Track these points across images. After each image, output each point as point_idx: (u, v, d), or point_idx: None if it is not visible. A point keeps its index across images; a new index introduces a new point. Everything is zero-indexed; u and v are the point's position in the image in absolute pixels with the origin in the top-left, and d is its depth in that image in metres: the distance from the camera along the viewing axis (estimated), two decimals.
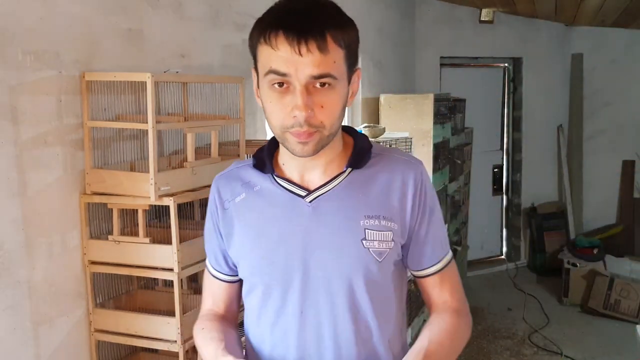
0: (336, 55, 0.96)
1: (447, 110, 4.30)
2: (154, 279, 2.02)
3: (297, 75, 0.95)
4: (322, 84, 0.96)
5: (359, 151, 1.09)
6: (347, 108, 1.06)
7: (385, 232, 1.05)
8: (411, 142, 3.48)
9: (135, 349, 2.01)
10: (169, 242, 1.79)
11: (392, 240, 1.06)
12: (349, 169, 1.08)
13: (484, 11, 5.32)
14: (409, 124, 3.92)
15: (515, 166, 5.87)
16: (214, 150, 2.02)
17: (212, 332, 1.12)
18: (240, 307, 1.24)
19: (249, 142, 2.44)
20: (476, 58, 5.68)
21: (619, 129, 5.66)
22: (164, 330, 1.81)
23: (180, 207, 1.85)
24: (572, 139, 5.79)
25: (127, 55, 2.01)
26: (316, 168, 1.08)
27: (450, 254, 1.15)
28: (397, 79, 4.98)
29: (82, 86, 1.81)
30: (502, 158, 5.94)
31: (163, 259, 1.80)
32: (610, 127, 5.68)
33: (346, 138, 1.12)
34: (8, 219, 1.62)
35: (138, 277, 2.04)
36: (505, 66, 5.83)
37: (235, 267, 1.16)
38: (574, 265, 4.79)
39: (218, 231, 1.16)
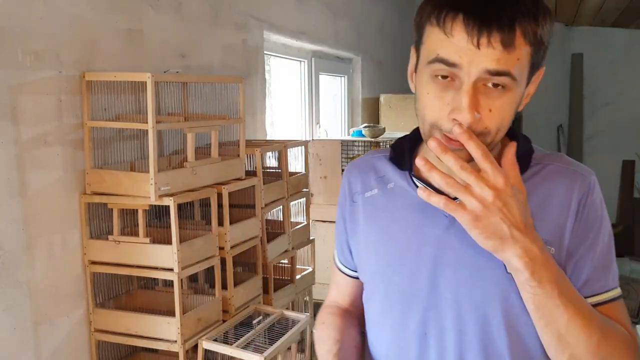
0: (522, 52, 0.78)
1: None
2: (154, 279, 2.02)
3: (469, 68, 0.77)
4: (495, 85, 0.78)
5: (518, 158, 0.85)
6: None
7: None
8: None
9: (135, 349, 2.01)
10: (169, 242, 1.79)
11: None
12: None
13: None
14: (409, 124, 3.92)
15: None
16: (214, 150, 2.02)
17: (330, 330, 1.02)
18: None
19: (249, 142, 2.44)
20: None
21: (619, 129, 5.66)
22: (164, 330, 1.81)
23: (180, 207, 1.85)
24: (572, 139, 5.79)
25: (127, 55, 2.01)
26: None
27: (618, 290, 0.91)
28: (397, 79, 4.97)
29: (82, 86, 1.81)
30: None
31: (163, 259, 1.80)
32: (610, 127, 5.68)
33: (504, 140, 0.90)
34: (8, 219, 1.62)
35: (138, 277, 2.04)
36: None
37: None
38: None
39: (345, 224, 1.04)
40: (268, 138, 3.04)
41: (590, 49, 5.68)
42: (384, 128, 3.50)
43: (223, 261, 2.02)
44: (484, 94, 0.79)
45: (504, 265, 0.81)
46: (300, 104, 3.72)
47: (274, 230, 2.50)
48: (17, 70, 1.62)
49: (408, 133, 1.01)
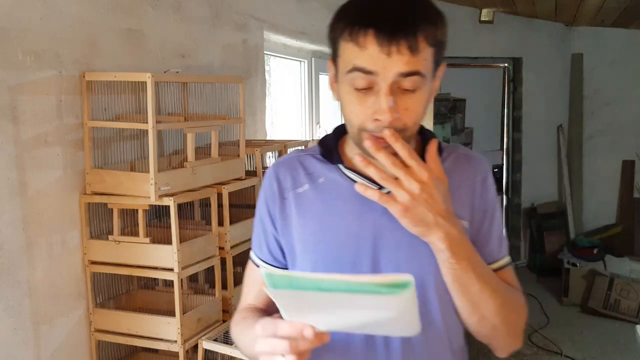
0: (427, 53, 0.89)
1: (447, 110, 4.31)
2: (154, 279, 2.02)
3: (384, 74, 0.87)
4: (408, 88, 0.89)
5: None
6: None
7: None
8: None
9: (135, 349, 2.01)
10: (169, 242, 1.79)
11: None
12: None
13: (484, 11, 5.32)
14: None
15: (515, 166, 5.86)
16: (214, 150, 2.02)
17: (249, 321, 1.04)
18: None
19: (249, 142, 2.44)
20: (476, 58, 5.68)
21: (619, 129, 5.65)
22: (164, 330, 1.81)
23: (180, 207, 1.85)
24: (572, 139, 5.79)
25: (127, 55, 2.01)
26: None
27: (508, 258, 1.07)
28: None
29: (82, 86, 1.81)
30: (502, 158, 5.94)
31: (163, 259, 1.80)
32: (610, 127, 5.68)
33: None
34: (8, 219, 1.62)
35: (138, 277, 2.04)
36: (505, 66, 5.83)
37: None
38: (574, 265, 4.79)
39: (273, 220, 1.07)
40: (268, 138, 3.04)
41: (590, 49, 5.68)
42: None
43: (223, 261, 2.02)
44: (399, 95, 0.90)
45: None
46: (300, 104, 3.71)
47: None
48: (17, 70, 1.62)
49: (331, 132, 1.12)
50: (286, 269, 1.09)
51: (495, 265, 1.04)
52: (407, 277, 0.74)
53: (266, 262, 1.10)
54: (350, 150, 1.04)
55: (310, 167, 1.07)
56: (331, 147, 1.06)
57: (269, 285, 0.77)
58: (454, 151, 1.07)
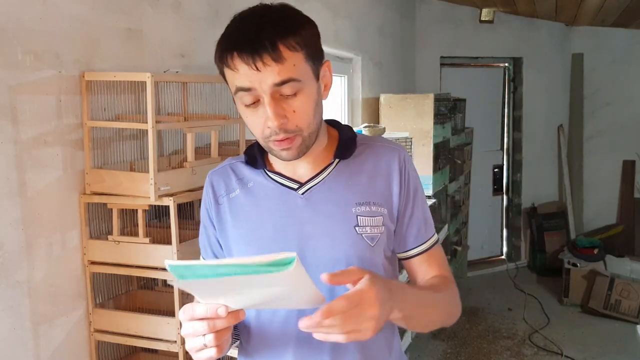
0: (294, 59, 0.98)
1: (447, 110, 4.30)
2: (154, 279, 2.02)
3: (262, 87, 0.97)
4: (288, 96, 0.99)
5: (345, 142, 1.14)
6: (323, 102, 1.09)
7: (376, 218, 1.09)
8: (411, 142, 3.48)
9: (135, 349, 2.01)
10: (169, 242, 1.79)
11: (383, 224, 1.10)
12: (337, 160, 1.13)
13: (484, 11, 5.32)
14: (409, 124, 3.92)
15: (516, 166, 5.87)
16: (214, 150, 2.02)
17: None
18: None
19: (249, 142, 2.44)
20: (476, 58, 5.68)
21: (619, 129, 5.66)
22: (164, 330, 1.81)
23: (180, 207, 1.85)
24: (572, 139, 5.79)
25: (127, 55, 2.01)
26: (305, 162, 1.12)
27: (436, 236, 1.18)
28: (397, 79, 4.98)
29: (82, 86, 1.81)
30: (502, 158, 5.94)
31: (163, 259, 1.80)
32: (610, 127, 5.68)
33: (331, 130, 1.17)
34: (8, 219, 1.62)
35: (138, 277, 2.04)
36: (505, 66, 5.83)
37: None
38: (574, 265, 4.79)
39: (213, 225, 1.18)
40: None
41: (590, 49, 5.68)
42: (384, 128, 3.50)
43: None
44: (283, 101, 0.99)
45: (355, 228, 1.07)
46: None
47: None
48: (17, 70, 1.62)
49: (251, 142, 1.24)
50: None
51: (423, 247, 1.16)
52: (290, 254, 0.78)
53: None
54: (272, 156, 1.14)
55: (240, 173, 1.17)
56: (255, 154, 1.16)
57: (176, 276, 0.81)
58: (373, 143, 1.16)
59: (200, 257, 1.23)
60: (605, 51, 5.64)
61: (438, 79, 5.53)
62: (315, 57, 1.03)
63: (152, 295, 2.04)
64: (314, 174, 1.11)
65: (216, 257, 1.20)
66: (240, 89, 0.99)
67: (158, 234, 1.89)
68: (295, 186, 1.11)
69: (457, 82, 5.52)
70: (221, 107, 2.33)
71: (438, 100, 4.00)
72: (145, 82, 1.71)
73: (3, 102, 1.59)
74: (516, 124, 5.77)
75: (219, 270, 0.80)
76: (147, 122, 1.73)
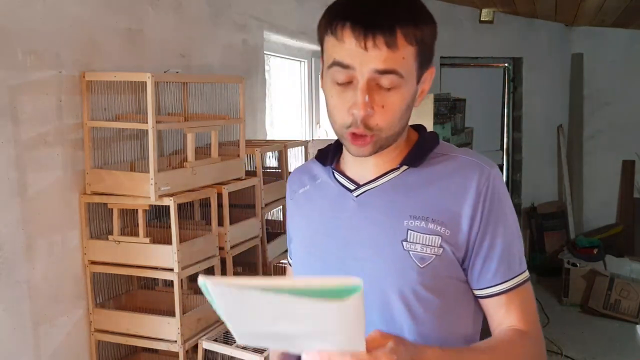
0: (406, 52, 0.89)
1: (447, 110, 4.30)
2: (154, 279, 2.02)
3: (361, 68, 0.88)
4: (383, 88, 0.89)
5: (418, 149, 1.01)
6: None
7: (432, 236, 0.93)
8: None
9: (135, 349, 2.01)
10: (169, 242, 1.79)
11: (441, 246, 0.93)
12: (404, 167, 1.00)
13: (484, 11, 5.32)
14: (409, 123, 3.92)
15: (515, 166, 5.86)
16: (214, 150, 2.02)
17: None
18: None
19: (249, 142, 2.44)
20: (476, 58, 5.68)
21: (619, 129, 5.65)
22: (164, 330, 1.81)
23: (180, 207, 1.85)
24: (572, 139, 5.79)
25: (127, 55, 2.01)
26: (371, 163, 1.01)
27: (525, 274, 0.99)
28: None
29: (82, 86, 1.81)
30: (502, 158, 5.94)
31: (163, 259, 1.80)
32: (610, 127, 5.68)
33: (412, 135, 1.04)
34: (8, 219, 1.62)
35: (138, 277, 2.04)
36: (505, 66, 5.83)
37: None
38: (574, 265, 4.79)
39: (291, 220, 1.15)
40: (268, 138, 3.04)
41: (590, 49, 5.68)
42: None
43: (223, 261, 2.02)
44: (377, 92, 0.89)
45: (402, 242, 0.94)
46: (300, 104, 3.71)
47: (274, 230, 2.50)
48: (17, 70, 1.62)
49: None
50: None
51: (503, 286, 0.96)
52: (356, 281, 0.65)
53: (292, 259, 1.18)
54: (344, 154, 1.07)
55: (314, 170, 1.11)
56: (328, 151, 1.09)
57: (208, 291, 0.66)
58: (457, 155, 1.02)
59: (287, 255, 1.21)
60: (605, 51, 5.63)
61: (438, 79, 5.53)
62: (425, 58, 0.94)
63: (152, 295, 2.04)
64: (375, 176, 1.01)
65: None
66: (337, 64, 0.90)
67: (158, 234, 1.89)
68: (352, 187, 1.02)
69: (456, 82, 5.51)
70: (221, 107, 2.33)
71: (438, 100, 4.00)
72: (146, 82, 1.71)
73: (3, 102, 1.59)
74: (516, 124, 5.77)
75: (265, 284, 0.66)
76: (147, 122, 1.73)
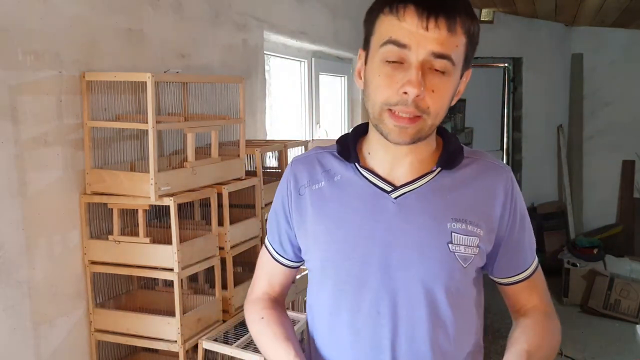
0: (460, 40, 0.91)
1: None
2: (154, 279, 2.02)
3: (417, 49, 0.88)
4: (436, 71, 0.91)
5: (452, 152, 1.04)
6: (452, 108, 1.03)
7: (471, 238, 0.99)
8: None
9: (135, 349, 2.01)
10: (169, 242, 1.79)
11: (478, 246, 1.00)
12: (439, 169, 1.02)
13: (484, 11, 5.32)
14: None
15: (515, 166, 5.87)
16: (214, 150, 2.02)
17: (273, 327, 1.10)
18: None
19: (249, 142, 2.44)
20: (476, 58, 5.66)
21: (619, 129, 5.65)
22: (164, 330, 1.81)
23: (180, 207, 1.85)
24: (572, 139, 5.79)
25: (127, 55, 2.01)
26: (405, 163, 1.02)
27: (537, 259, 1.11)
28: None
29: (82, 86, 1.81)
30: (502, 158, 5.94)
31: (163, 259, 1.80)
32: (610, 127, 5.68)
33: (438, 139, 1.07)
34: (8, 219, 1.62)
35: (138, 277, 2.04)
36: (505, 66, 5.83)
37: (300, 252, 1.13)
38: (574, 265, 4.79)
39: (288, 216, 1.11)
40: (268, 138, 3.04)
41: (590, 49, 5.68)
42: None
43: (223, 261, 2.02)
44: (429, 75, 0.90)
45: (448, 245, 0.98)
46: (300, 104, 3.71)
47: None
48: (17, 70, 1.62)
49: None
50: (292, 261, 1.16)
51: (525, 273, 1.09)
52: None
53: (281, 255, 1.17)
54: (368, 149, 1.06)
55: (327, 164, 1.08)
56: (349, 146, 1.06)
57: None
58: (480, 158, 1.06)
59: (267, 241, 1.19)
60: (605, 51, 5.63)
61: None
62: (471, 54, 0.96)
63: (152, 295, 2.04)
64: (412, 178, 1.01)
65: (282, 245, 1.15)
66: (392, 42, 0.90)
67: (158, 234, 1.89)
68: (389, 189, 1.01)
69: None
70: (221, 107, 2.33)
71: None
72: (146, 82, 1.71)
73: (3, 102, 1.59)
74: (516, 124, 5.77)
75: None
76: (147, 122, 1.73)
